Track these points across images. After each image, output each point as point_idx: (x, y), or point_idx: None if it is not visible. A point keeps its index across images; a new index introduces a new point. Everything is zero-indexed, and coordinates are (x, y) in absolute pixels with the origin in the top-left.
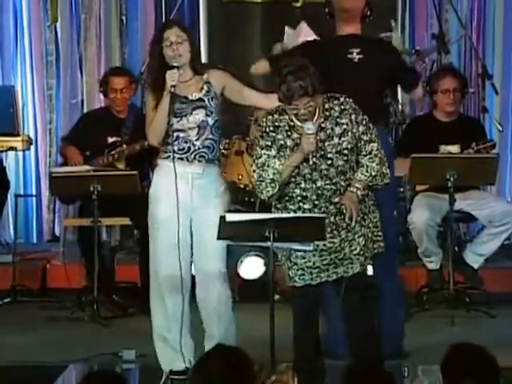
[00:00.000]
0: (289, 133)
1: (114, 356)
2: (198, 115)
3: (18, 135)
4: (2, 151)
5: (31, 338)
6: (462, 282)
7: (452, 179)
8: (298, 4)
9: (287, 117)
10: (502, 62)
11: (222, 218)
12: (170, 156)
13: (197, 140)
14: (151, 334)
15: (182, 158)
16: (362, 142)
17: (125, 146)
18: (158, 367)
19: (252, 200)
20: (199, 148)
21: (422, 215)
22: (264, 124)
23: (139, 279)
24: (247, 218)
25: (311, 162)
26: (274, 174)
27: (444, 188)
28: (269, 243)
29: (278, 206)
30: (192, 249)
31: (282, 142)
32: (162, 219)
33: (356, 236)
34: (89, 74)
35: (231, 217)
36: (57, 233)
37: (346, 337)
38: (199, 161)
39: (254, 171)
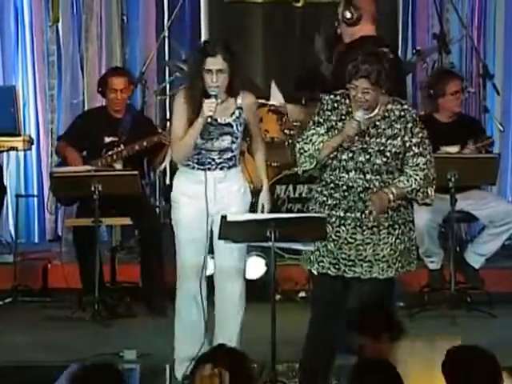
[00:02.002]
0: (343, 117)
1: (115, 356)
2: (224, 142)
3: (19, 135)
4: (2, 151)
5: (32, 337)
6: (463, 282)
7: (453, 179)
8: (299, 4)
9: (348, 102)
10: (503, 61)
11: (224, 218)
12: (190, 165)
13: (218, 159)
14: (152, 333)
15: (203, 169)
16: (411, 153)
17: (122, 147)
18: (159, 367)
19: (254, 200)
20: (220, 163)
21: (423, 216)
22: (325, 102)
23: (140, 279)
24: (249, 218)
25: (350, 150)
26: (314, 150)
27: (445, 188)
28: (270, 243)
29: (318, 189)
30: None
31: (333, 123)
32: (185, 222)
33: (382, 242)
34: (90, 74)
35: (233, 217)
36: (59, 233)
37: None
38: (221, 169)
39: (298, 142)
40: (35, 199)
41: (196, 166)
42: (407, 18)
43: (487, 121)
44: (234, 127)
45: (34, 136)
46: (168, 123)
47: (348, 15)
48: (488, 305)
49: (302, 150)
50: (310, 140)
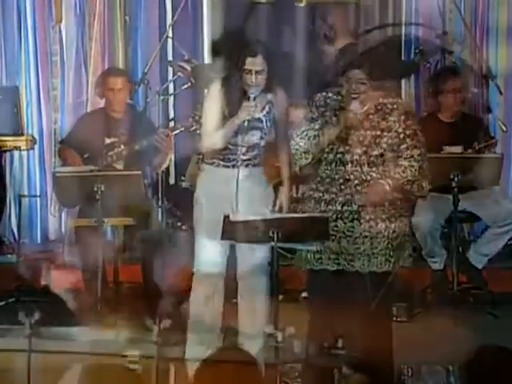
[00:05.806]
0: (337, 112)
1: (118, 356)
2: (254, 136)
3: (21, 135)
4: (6, 151)
5: None
6: (465, 283)
7: (456, 179)
8: (302, 4)
9: (340, 98)
10: (506, 61)
11: (226, 217)
12: (214, 162)
13: (244, 155)
14: (155, 334)
15: (227, 166)
16: (405, 145)
17: (123, 147)
18: (162, 367)
19: None
20: (246, 160)
21: (426, 218)
22: (317, 98)
23: (142, 280)
24: (251, 218)
25: (346, 143)
26: (309, 145)
27: (448, 188)
28: (272, 243)
29: (313, 186)
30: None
31: (327, 119)
32: (207, 222)
33: (379, 235)
34: (93, 73)
35: (235, 217)
36: (61, 233)
37: None
38: (246, 166)
39: (293, 139)
40: (38, 199)
41: (221, 163)
42: (410, 17)
43: (490, 121)
44: (264, 122)
45: (36, 136)
46: (171, 123)
47: (326, 33)
48: (491, 305)
49: (297, 146)
50: (306, 135)
